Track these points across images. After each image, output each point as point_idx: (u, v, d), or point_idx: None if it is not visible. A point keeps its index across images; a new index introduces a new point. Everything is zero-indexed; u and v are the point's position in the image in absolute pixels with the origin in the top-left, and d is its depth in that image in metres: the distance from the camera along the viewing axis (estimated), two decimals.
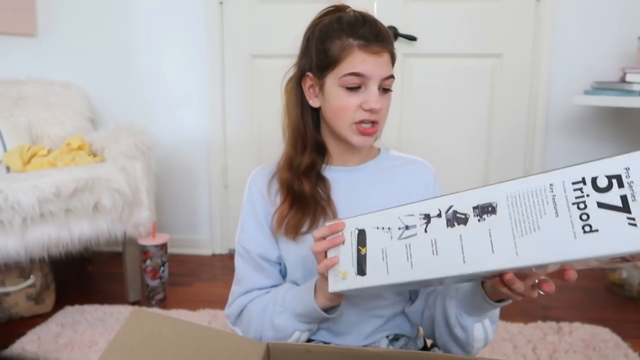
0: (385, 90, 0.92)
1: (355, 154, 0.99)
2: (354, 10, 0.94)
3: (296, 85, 0.97)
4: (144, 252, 1.94)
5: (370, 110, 0.90)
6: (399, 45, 2.36)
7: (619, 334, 1.73)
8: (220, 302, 2.00)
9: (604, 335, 1.73)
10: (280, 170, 0.98)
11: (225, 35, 2.47)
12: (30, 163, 2.00)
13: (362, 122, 0.91)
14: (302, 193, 0.94)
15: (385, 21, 2.61)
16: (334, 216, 0.94)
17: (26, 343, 1.68)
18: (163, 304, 2.00)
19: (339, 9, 0.95)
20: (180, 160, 2.57)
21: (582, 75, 2.30)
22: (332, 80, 0.91)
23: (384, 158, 1.03)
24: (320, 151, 0.98)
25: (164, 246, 1.96)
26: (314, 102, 0.95)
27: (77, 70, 2.54)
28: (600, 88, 2.16)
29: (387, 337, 0.98)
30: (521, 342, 1.68)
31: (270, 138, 2.49)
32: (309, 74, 0.94)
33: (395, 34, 2.33)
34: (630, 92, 2.01)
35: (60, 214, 1.77)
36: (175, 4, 2.46)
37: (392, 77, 0.92)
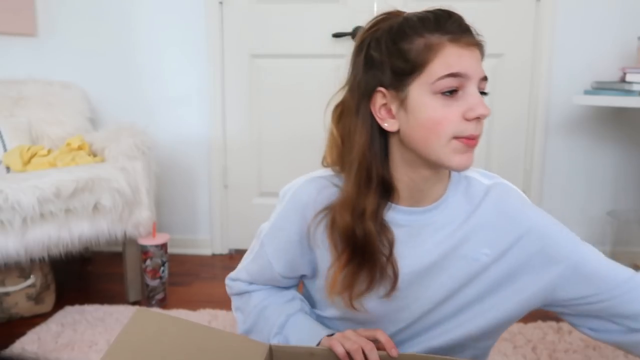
0: (482, 94, 0.75)
1: (433, 190, 0.80)
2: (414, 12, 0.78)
3: (362, 106, 0.77)
4: (144, 252, 1.94)
5: (478, 119, 0.72)
6: None
7: None
8: (220, 302, 2.00)
9: None
10: (337, 212, 0.78)
11: (225, 35, 2.46)
12: (30, 163, 2.00)
13: (462, 137, 0.72)
14: (366, 242, 0.76)
15: None
16: (395, 276, 0.78)
17: (26, 343, 1.67)
18: (163, 304, 2.00)
19: (397, 15, 0.79)
20: (180, 160, 2.57)
21: (582, 75, 2.30)
22: (419, 89, 0.73)
23: (457, 188, 0.82)
24: (387, 191, 0.78)
25: (164, 246, 1.96)
26: (390, 125, 0.76)
27: (77, 70, 2.53)
28: (600, 88, 2.16)
29: None
30: (521, 342, 1.68)
31: (270, 138, 2.50)
32: (381, 89, 0.75)
33: None
34: (630, 92, 2.01)
35: (60, 214, 1.77)
36: (175, 4, 2.46)
37: (487, 78, 0.76)
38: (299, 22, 2.38)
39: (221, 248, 2.63)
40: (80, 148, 2.11)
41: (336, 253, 0.78)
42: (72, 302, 1.98)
